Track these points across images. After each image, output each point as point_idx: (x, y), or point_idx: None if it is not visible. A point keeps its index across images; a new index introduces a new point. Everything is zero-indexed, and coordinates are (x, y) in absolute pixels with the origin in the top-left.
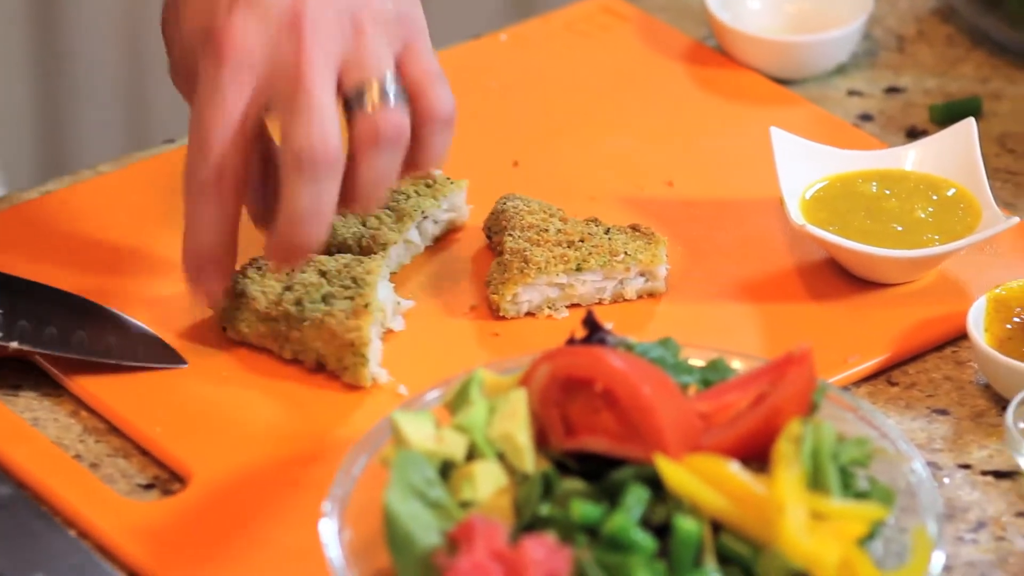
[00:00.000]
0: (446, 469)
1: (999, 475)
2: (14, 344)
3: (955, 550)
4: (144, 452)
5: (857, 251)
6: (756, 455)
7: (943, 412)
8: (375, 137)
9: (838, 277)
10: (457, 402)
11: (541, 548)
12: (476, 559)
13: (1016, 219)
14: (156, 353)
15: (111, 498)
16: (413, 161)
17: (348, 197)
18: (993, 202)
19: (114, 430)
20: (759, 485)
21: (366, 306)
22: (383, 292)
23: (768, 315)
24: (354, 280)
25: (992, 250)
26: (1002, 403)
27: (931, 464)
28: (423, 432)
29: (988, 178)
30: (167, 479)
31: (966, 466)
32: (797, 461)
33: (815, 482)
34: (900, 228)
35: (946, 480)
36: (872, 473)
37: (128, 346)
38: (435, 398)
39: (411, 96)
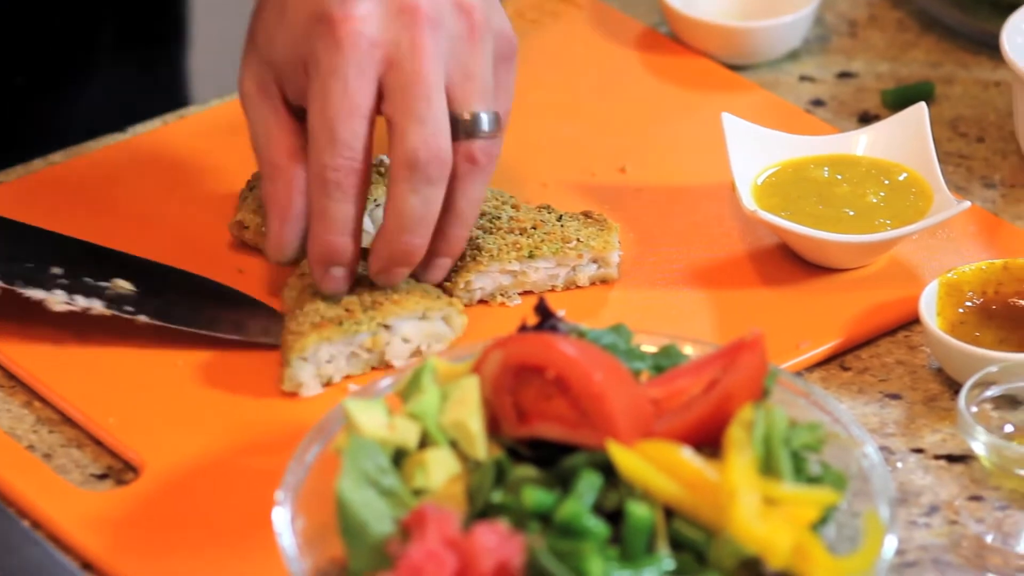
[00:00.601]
0: (399, 457)
1: (952, 459)
2: (143, 318)
3: (908, 534)
4: (97, 442)
5: (809, 236)
6: (708, 441)
7: (896, 397)
8: (473, 164)
9: (790, 262)
10: (409, 390)
11: (493, 535)
12: (428, 547)
13: (967, 203)
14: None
15: (65, 488)
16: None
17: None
18: (945, 186)
19: (67, 420)
20: (711, 471)
21: (318, 324)
22: (405, 328)
23: (720, 301)
24: (373, 303)
25: (944, 234)
26: (955, 387)
27: (884, 448)
28: (375, 420)
29: (940, 162)
30: (120, 469)
31: (919, 450)
32: (749, 446)
33: (767, 467)
34: (852, 213)
35: (899, 464)
36: (824, 458)
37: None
38: (387, 386)
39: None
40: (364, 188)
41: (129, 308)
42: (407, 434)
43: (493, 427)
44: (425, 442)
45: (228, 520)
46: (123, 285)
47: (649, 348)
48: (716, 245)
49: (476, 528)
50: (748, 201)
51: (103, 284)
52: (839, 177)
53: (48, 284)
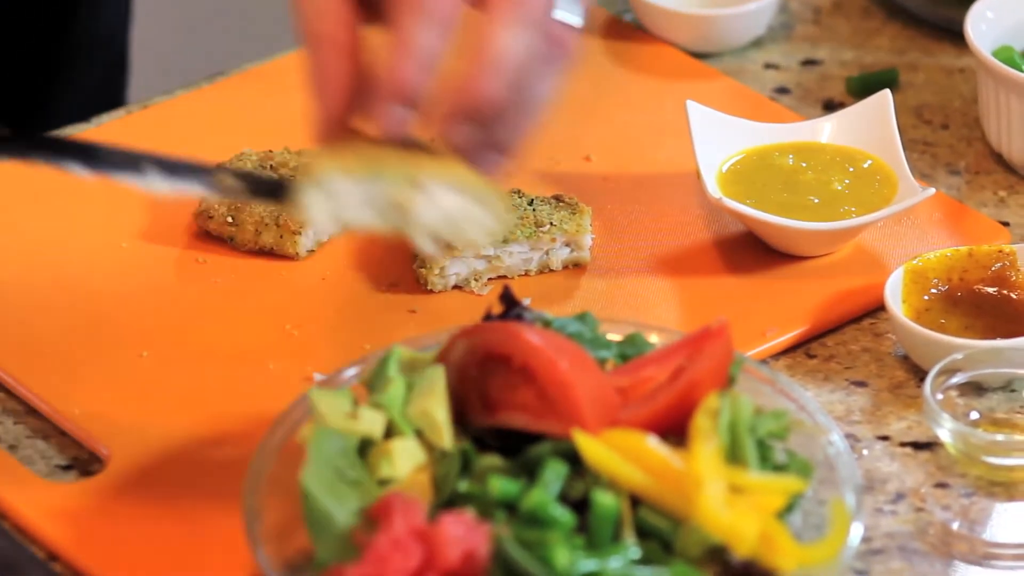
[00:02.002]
0: (364, 447)
1: (918, 446)
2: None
3: (874, 521)
4: (63, 433)
5: (774, 224)
6: (674, 429)
7: (861, 384)
8: (553, 47)
9: (755, 250)
10: (375, 380)
11: (460, 525)
12: (394, 536)
13: (932, 190)
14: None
15: (30, 479)
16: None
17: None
18: (909, 174)
19: (32, 411)
20: (677, 459)
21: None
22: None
23: (686, 289)
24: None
25: (909, 221)
26: (920, 374)
27: (850, 436)
28: (341, 410)
29: (904, 149)
30: (86, 460)
31: (885, 437)
32: (715, 435)
33: (733, 455)
34: (817, 200)
35: (865, 452)
36: (790, 446)
37: None
38: (353, 376)
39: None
40: (450, 34)
41: (237, 194)
42: (372, 424)
43: (459, 416)
44: (391, 432)
45: (194, 511)
46: (228, 180)
47: (614, 336)
48: (682, 233)
49: (442, 518)
50: (713, 189)
51: (202, 174)
52: (804, 165)
53: (142, 171)
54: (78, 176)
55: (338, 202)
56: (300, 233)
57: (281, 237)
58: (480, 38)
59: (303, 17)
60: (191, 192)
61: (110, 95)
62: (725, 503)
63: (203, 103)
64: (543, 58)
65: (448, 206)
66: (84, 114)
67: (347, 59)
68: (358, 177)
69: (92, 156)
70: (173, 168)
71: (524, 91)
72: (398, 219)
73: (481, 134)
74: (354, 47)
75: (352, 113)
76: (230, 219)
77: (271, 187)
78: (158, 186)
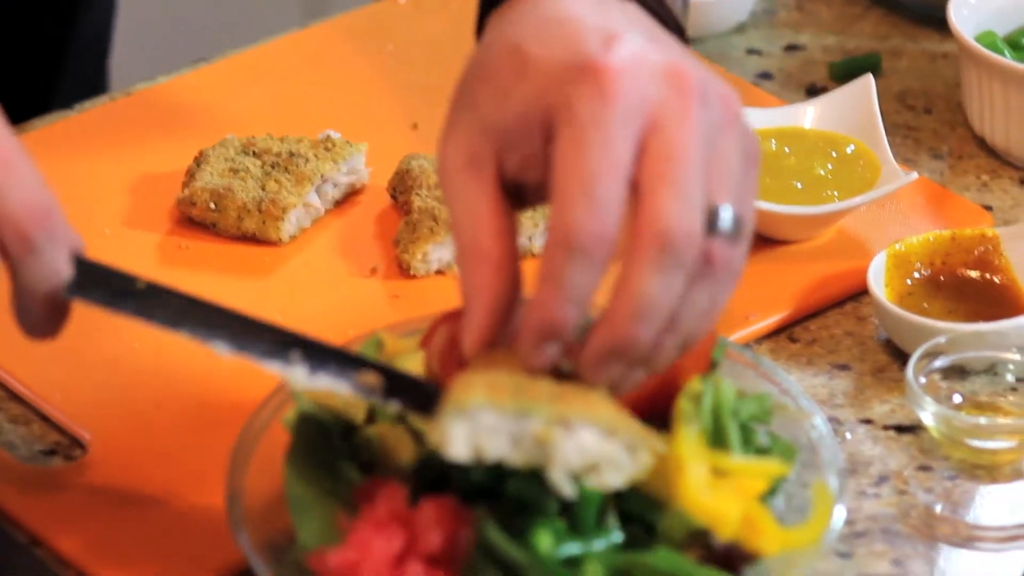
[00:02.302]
0: (347, 431)
1: (901, 429)
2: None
3: (857, 504)
4: (44, 419)
5: (758, 208)
6: (657, 414)
7: (844, 368)
8: (709, 265)
9: None
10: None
11: (442, 509)
12: (377, 520)
13: (915, 175)
14: None
15: (11, 465)
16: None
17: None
18: (892, 158)
19: (13, 397)
20: (660, 444)
21: (493, 385)
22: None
23: None
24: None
25: (892, 206)
26: (903, 358)
27: (832, 419)
28: (324, 393)
29: (887, 134)
30: (68, 445)
31: (868, 421)
32: (697, 419)
33: (716, 439)
34: (800, 185)
35: (848, 435)
36: (773, 429)
37: None
38: None
39: None
40: (609, 263)
41: (378, 398)
42: (355, 408)
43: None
44: (373, 417)
45: (177, 495)
46: (370, 378)
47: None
48: None
49: (424, 502)
50: None
51: (349, 372)
52: (787, 150)
53: (288, 360)
54: (219, 354)
55: (481, 435)
56: (282, 219)
57: (264, 223)
58: (625, 276)
59: (457, 225)
60: (332, 387)
61: (95, 83)
62: (707, 486)
63: (186, 89)
64: (700, 278)
65: (591, 448)
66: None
67: (501, 274)
68: (507, 412)
69: (240, 337)
70: (320, 360)
71: (678, 323)
72: (538, 456)
73: (629, 369)
74: (509, 261)
75: (504, 327)
76: (212, 205)
77: (416, 395)
78: (301, 378)
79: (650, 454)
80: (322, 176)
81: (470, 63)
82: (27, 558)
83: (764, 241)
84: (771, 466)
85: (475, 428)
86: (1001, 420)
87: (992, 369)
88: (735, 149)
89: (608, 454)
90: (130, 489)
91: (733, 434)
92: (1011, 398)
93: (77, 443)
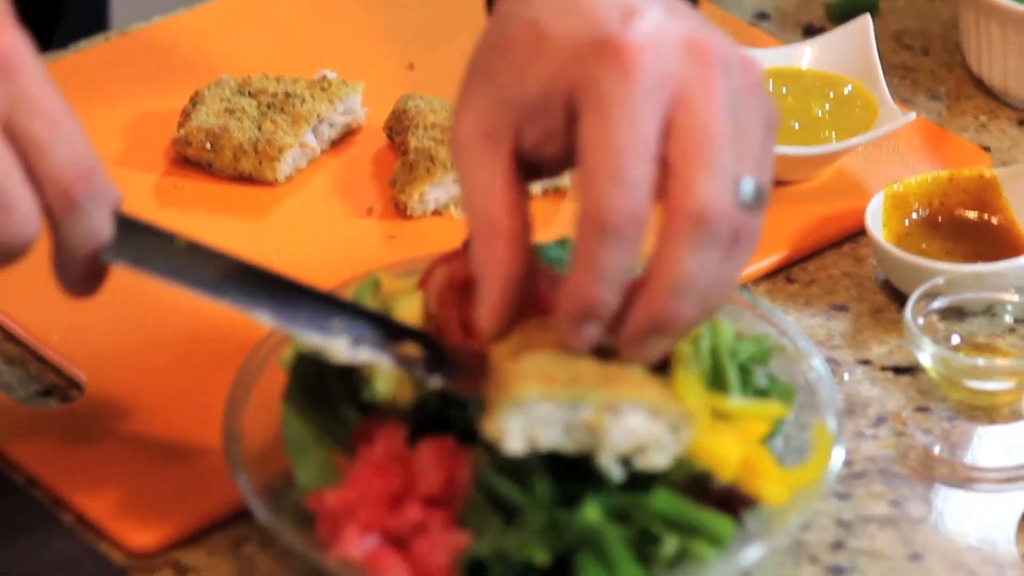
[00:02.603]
0: (345, 371)
1: (899, 370)
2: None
3: (856, 445)
4: (41, 359)
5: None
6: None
7: (842, 308)
8: (738, 238)
9: None
10: None
11: (440, 450)
12: (375, 461)
13: (913, 115)
14: None
15: (8, 406)
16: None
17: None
18: (890, 99)
19: (10, 338)
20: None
21: (546, 376)
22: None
23: None
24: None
25: (890, 147)
26: (901, 299)
27: (830, 360)
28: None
29: (885, 75)
30: (65, 386)
31: (866, 362)
32: (696, 361)
33: (715, 381)
34: (797, 126)
35: (846, 376)
36: (771, 371)
37: None
38: None
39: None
40: (642, 241)
41: (420, 372)
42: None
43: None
44: None
45: (174, 436)
46: (411, 350)
47: None
48: None
49: (423, 443)
50: None
51: (390, 344)
52: (784, 90)
53: (329, 332)
54: (261, 323)
55: (535, 426)
56: (278, 159)
57: (260, 163)
58: (663, 255)
59: (469, 199)
60: (373, 360)
61: (95, 23)
62: (708, 430)
63: (182, 30)
64: (728, 254)
65: (639, 430)
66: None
67: (514, 249)
68: (561, 403)
69: (282, 306)
70: (361, 331)
71: (709, 297)
72: (588, 442)
73: (666, 343)
74: (522, 235)
75: (520, 301)
76: (208, 146)
77: (458, 368)
78: (342, 352)
79: (692, 432)
80: (318, 116)
81: (484, 36)
82: (24, 499)
83: None
84: (772, 408)
85: (530, 420)
86: (999, 361)
87: (990, 310)
88: (757, 117)
89: (655, 435)
90: (127, 430)
91: (732, 375)
92: (1009, 339)
93: (74, 384)
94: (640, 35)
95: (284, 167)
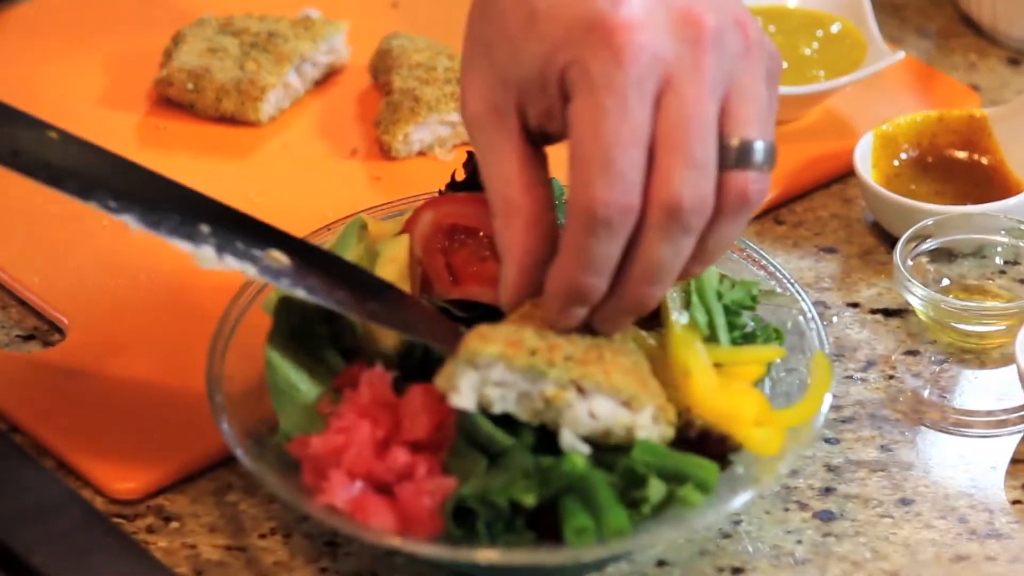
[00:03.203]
0: (329, 315)
1: (888, 313)
2: (300, 292)
3: (845, 389)
4: (22, 303)
5: None
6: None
7: (831, 250)
8: (743, 202)
9: None
10: (338, 248)
11: (427, 396)
12: (361, 406)
13: (902, 54)
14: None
15: None
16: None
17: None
18: (879, 37)
19: None
20: (651, 339)
21: (512, 341)
22: None
23: None
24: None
25: (878, 86)
26: (890, 240)
27: (819, 303)
28: None
29: (874, 12)
30: (47, 330)
31: (855, 304)
32: (683, 308)
33: (702, 324)
34: (785, 65)
35: (835, 319)
36: (759, 313)
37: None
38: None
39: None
40: (631, 228)
41: (285, 281)
42: None
43: (425, 287)
44: None
45: (156, 381)
46: (278, 257)
47: None
48: None
49: (412, 389)
50: None
51: (257, 252)
52: (772, 29)
53: (196, 238)
54: (130, 227)
55: (488, 385)
56: (261, 99)
57: (242, 104)
58: (638, 243)
59: (487, 178)
60: (239, 269)
61: None
62: (717, 389)
63: None
64: (723, 211)
65: (605, 415)
66: None
67: (533, 230)
68: (518, 369)
69: (151, 210)
70: (229, 237)
71: (709, 252)
72: (548, 415)
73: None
74: (541, 214)
75: (539, 279)
76: (191, 86)
77: (333, 279)
78: (209, 259)
79: (668, 427)
80: (301, 56)
81: (476, 5)
82: (7, 446)
83: None
84: (766, 351)
85: (483, 380)
86: (989, 303)
87: (980, 252)
88: (758, 74)
89: (622, 422)
90: (109, 375)
91: (718, 317)
92: (999, 281)
93: (55, 328)
94: (630, 14)
95: (267, 107)
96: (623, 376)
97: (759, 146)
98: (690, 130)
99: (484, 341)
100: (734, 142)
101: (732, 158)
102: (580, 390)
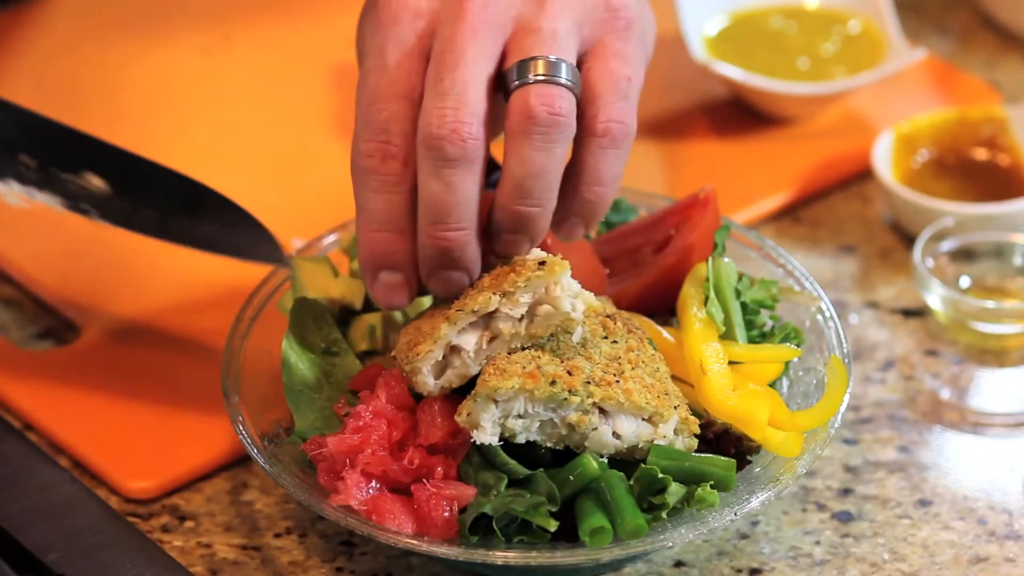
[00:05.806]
0: (345, 316)
1: (907, 313)
2: (106, 222)
3: (863, 390)
4: (37, 302)
5: (761, 87)
6: (663, 302)
7: (850, 250)
8: (528, 118)
9: (743, 115)
10: (355, 248)
11: (445, 402)
12: (377, 408)
13: (923, 52)
14: (261, 248)
15: (4, 348)
16: (570, 185)
17: (499, 203)
18: (899, 35)
19: (6, 280)
20: (669, 336)
21: (530, 372)
22: None
23: (670, 153)
24: (602, 377)
25: (898, 85)
26: (910, 240)
27: (838, 303)
28: (321, 278)
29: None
30: (61, 329)
31: (874, 304)
32: (702, 306)
33: (721, 321)
34: (806, 63)
35: (853, 319)
36: (777, 313)
37: (230, 238)
38: (332, 242)
39: (580, 101)
40: (408, 177)
41: (92, 208)
42: (353, 293)
43: None
44: (371, 303)
45: (170, 379)
46: (94, 181)
47: None
48: (665, 97)
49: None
50: (699, 52)
51: (68, 176)
52: (792, 27)
53: (4, 172)
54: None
55: (510, 417)
56: None
57: None
58: (509, 167)
59: (355, 141)
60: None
61: None
62: (731, 389)
63: None
64: (512, 131)
65: (628, 435)
66: None
67: (392, 195)
68: (541, 400)
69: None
70: (42, 164)
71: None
72: (570, 439)
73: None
74: (403, 179)
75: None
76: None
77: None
78: (13, 196)
79: (691, 438)
80: None
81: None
82: (22, 444)
83: (768, 121)
84: (783, 351)
85: (504, 413)
86: (1009, 304)
87: (1000, 252)
88: (567, 7)
89: (647, 437)
90: (123, 373)
91: (735, 315)
92: (1019, 281)
93: (69, 326)
94: None
95: None
96: (644, 393)
97: (540, 61)
98: (443, 65)
99: (502, 376)
100: (512, 65)
101: (513, 76)
102: (603, 412)
